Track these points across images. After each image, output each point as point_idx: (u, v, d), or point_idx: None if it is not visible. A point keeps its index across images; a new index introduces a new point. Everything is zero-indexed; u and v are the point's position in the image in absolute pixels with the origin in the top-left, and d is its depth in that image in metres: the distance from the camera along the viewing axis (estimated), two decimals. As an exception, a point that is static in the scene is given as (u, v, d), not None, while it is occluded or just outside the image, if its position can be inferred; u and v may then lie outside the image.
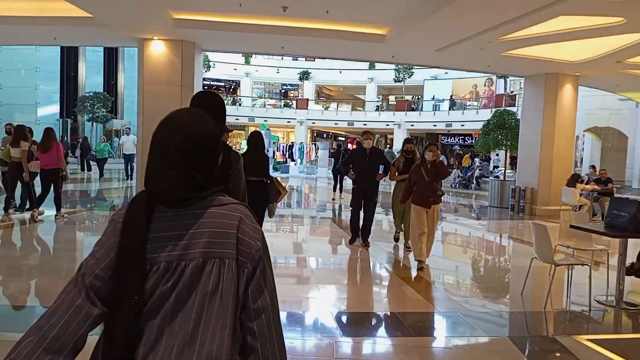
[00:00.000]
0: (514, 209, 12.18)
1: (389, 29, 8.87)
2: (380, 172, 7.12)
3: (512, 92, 37.35)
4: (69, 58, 27.46)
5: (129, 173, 16.28)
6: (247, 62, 43.09)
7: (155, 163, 1.21)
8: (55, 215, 8.39)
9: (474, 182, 20.20)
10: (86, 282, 1.11)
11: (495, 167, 22.71)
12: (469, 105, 38.60)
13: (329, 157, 21.16)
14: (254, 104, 42.74)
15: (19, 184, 8.29)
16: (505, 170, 13.90)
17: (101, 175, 16.62)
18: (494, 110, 33.70)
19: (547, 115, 11.69)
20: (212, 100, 2.23)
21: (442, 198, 6.39)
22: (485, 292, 5.60)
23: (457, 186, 20.13)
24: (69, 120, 26.95)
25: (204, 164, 1.21)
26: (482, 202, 15.77)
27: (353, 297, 5.28)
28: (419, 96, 41.62)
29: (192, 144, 1.19)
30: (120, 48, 30.24)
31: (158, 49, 9.85)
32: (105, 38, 10.37)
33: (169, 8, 8.17)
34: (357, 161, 7.09)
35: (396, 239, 7.68)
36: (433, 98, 39.89)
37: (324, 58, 31.03)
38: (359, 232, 7.31)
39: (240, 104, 41.88)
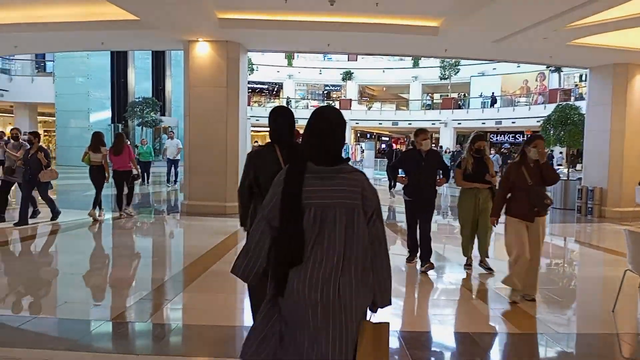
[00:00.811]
0: (580, 211, 11.27)
1: (442, 20, 8.33)
2: (440, 178, 5.93)
3: (572, 85, 35.53)
4: (119, 65, 28.21)
5: (172, 178, 15.58)
6: (289, 64, 43.21)
7: (316, 139, 2.03)
8: (125, 210, 9.20)
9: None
10: (266, 217, 2.02)
11: (559, 165, 21.40)
12: (518, 102, 37.02)
13: (379, 157, 20.63)
14: (297, 106, 42.76)
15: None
16: (568, 168, 12.92)
17: (145, 180, 15.47)
18: (546, 106, 32.45)
19: (616, 109, 10.74)
20: (288, 112, 3.36)
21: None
22: (568, 309, 4.98)
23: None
24: (119, 125, 27.71)
25: (340, 140, 2.07)
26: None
27: (416, 315, 4.80)
28: (465, 94, 40.33)
29: (337, 127, 2.05)
30: (168, 54, 30.89)
31: (203, 50, 9.72)
32: (152, 41, 10.37)
33: (213, 8, 7.99)
34: (411, 165, 5.79)
35: (469, 266, 5.99)
36: (480, 95, 38.51)
37: (372, 55, 30.42)
38: (418, 252, 6.05)
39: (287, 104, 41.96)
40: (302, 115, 39.84)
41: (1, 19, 9.41)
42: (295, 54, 44.17)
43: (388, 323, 2.05)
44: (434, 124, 39.01)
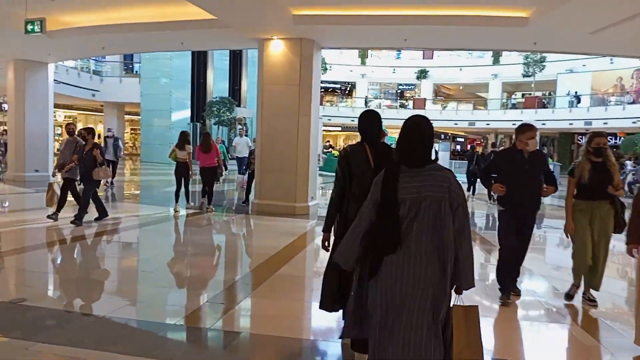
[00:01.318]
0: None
1: (533, 9, 7.61)
2: (545, 187, 4.60)
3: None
4: (199, 66, 29.37)
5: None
6: (362, 63, 42.81)
7: (409, 147, 2.45)
8: (207, 206, 9.73)
9: (627, 188, 17.33)
10: (368, 210, 2.47)
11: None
12: (609, 102, 33.96)
13: (455, 159, 19.60)
14: (369, 105, 42.25)
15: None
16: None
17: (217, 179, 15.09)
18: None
19: None
20: (377, 115, 3.47)
21: None
22: None
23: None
24: (198, 124, 28.83)
25: (430, 146, 2.46)
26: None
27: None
28: (550, 92, 37.69)
29: (428, 137, 2.47)
30: (245, 54, 31.73)
31: (277, 48, 9.66)
32: (228, 40, 10.49)
33: (288, 4, 7.87)
34: (510, 169, 4.50)
35: (570, 296, 4.67)
36: (568, 94, 35.79)
37: (452, 50, 29.19)
38: (514, 284, 4.76)
39: (354, 105, 41.68)
40: (374, 115, 39.47)
41: (91, 21, 9.97)
42: (369, 53, 43.79)
43: (477, 306, 2.49)
44: (514, 124, 36.40)
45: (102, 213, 7.98)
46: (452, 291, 2.45)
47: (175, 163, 9.33)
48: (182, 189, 9.41)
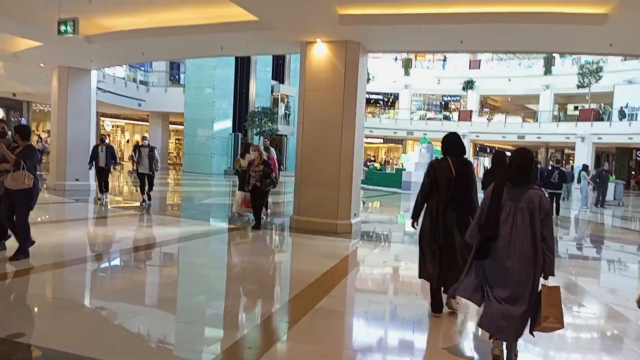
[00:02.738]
0: None
1: (613, 5, 6.59)
2: None
3: None
4: (242, 76, 29.30)
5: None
6: (406, 73, 41.87)
7: (514, 171, 3.42)
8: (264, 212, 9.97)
9: None
10: (482, 214, 3.50)
11: None
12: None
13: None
14: (412, 117, 41.14)
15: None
16: None
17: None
18: None
19: None
20: (458, 137, 4.52)
21: None
22: None
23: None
24: (239, 134, 28.68)
25: (529, 172, 3.44)
26: None
27: None
28: (606, 104, 35.40)
29: (529, 165, 3.46)
30: (288, 65, 31.48)
31: (320, 52, 9.00)
32: (269, 44, 9.93)
33: (334, 3, 7.19)
34: None
35: None
36: (626, 106, 33.45)
37: (513, 52, 27.60)
38: None
39: (397, 117, 40.69)
40: (417, 127, 38.39)
41: (130, 25, 9.66)
42: (413, 64, 42.79)
43: (559, 286, 3.40)
44: (568, 138, 34.86)
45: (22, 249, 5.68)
46: (541, 277, 3.38)
47: (239, 171, 10.44)
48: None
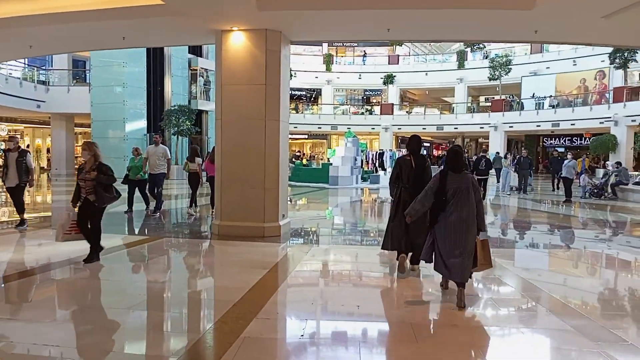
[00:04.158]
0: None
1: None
2: None
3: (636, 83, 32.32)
4: (155, 73, 27.48)
5: (149, 197, 10.97)
6: (328, 69, 41.89)
7: (453, 162, 4.78)
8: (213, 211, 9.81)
9: (609, 190, 16.66)
10: (429, 191, 4.80)
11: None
12: (575, 103, 34.02)
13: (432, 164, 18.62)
14: (336, 112, 41.23)
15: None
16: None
17: (148, 203, 10.98)
18: (611, 106, 29.48)
19: None
20: (419, 138, 6.01)
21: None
22: None
23: (587, 195, 16.70)
24: (155, 134, 26.86)
25: (463, 162, 4.86)
26: (629, 217, 12.51)
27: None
28: (512, 95, 37.65)
29: (462, 156, 4.92)
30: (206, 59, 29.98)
31: (238, 41, 8.20)
32: (180, 33, 8.91)
33: (250, -16, 6.44)
34: None
35: None
36: (533, 96, 35.76)
37: (439, 41, 28.15)
38: None
39: (320, 112, 40.55)
40: (341, 122, 38.48)
41: (15, 12, 8.21)
42: (334, 59, 42.83)
43: (487, 239, 4.88)
44: (482, 127, 36.60)
45: None
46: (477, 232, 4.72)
47: (188, 173, 11.08)
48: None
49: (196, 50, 29.90)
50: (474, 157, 15.48)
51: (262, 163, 8.17)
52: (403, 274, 5.71)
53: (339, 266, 6.81)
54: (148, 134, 26.60)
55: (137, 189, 10.82)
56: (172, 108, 25.38)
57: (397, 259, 5.81)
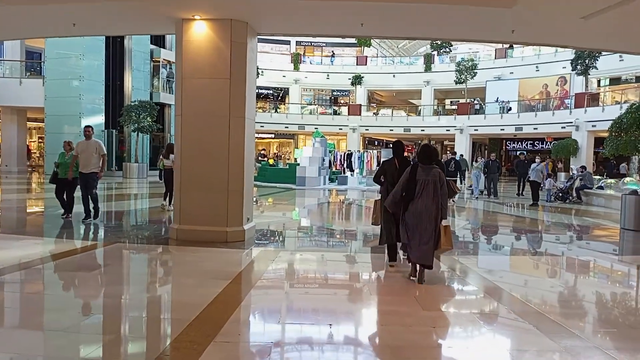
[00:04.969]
0: (671, 236, 9.03)
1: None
2: None
3: (594, 90, 33.32)
4: (115, 66, 26.27)
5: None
6: (296, 68, 41.40)
7: (423, 156, 5.51)
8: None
9: (574, 194, 16.85)
10: (401, 184, 5.51)
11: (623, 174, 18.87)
12: (533, 107, 34.76)
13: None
14: (303, 112, 40.77)
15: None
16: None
17: (70, 209, 9.53)
18: (572, 111, 30.23)
19: None
20: (402, 143, 6.74)
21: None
22: None
23: (552, 199, 16.84)
24: (113, 131, 25.65)
25: (431, 157, 5.55)
26: (599, 222, 12.58)
27: None
28: (477, 99, 38.22)
29: (431, 152, 5.60)
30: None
31: (201, 31, 7.60)
32: (135, 20, 8.20)
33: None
34: None
35: None
36: (497, 100, 36.38)
37: (414, 39, 27.89)
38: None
39: (287, 112, 39.99)
40: (309, 122, 38.12)
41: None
42: (302, 58, 42.34)
43: (449, 225, 5.62)
44: (448, 130, 36.94)
45: None
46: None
47: (163, 170, 11.69)
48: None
49: (159, 41, 28.81)
50: (444, 159, 15.33)
51: (226, 163, 7.60)
52: (394, 265, 6.29)
53: (309, 275, 6.32)
54: (106, 130, 25.39)
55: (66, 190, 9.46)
56: (132, 103, 24.26)
57: (389, 255, 6.35)
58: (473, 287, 5.79)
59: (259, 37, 8.26)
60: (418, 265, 5.42)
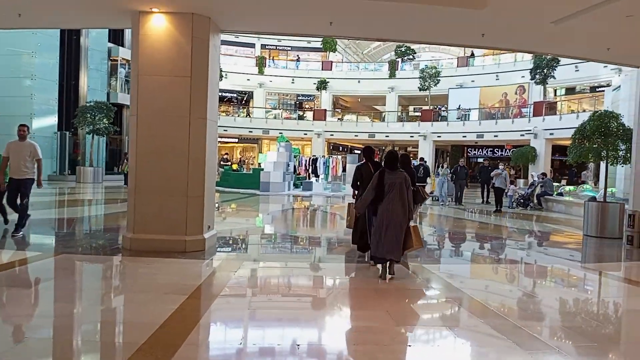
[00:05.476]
0: (632, 242, 9.13)
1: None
2: None
3: (551, 99, 34.39)
4: (70, 65, 25.04)
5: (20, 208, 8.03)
6: (260, 72, 40.84)
7: (389, 162, 5.97)
8: None
9: (535, 200, 17.11)
10: (371, 188, 5.92)
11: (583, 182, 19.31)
12: (493, 115, 35.59)
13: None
14: (267, 116, 40.23)
15: None
16: (605, 188, 10.84)
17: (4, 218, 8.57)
18: (531, 119, 31.05)
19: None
20: (372, 149, 7.49)
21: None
22: None
23: (514, 205, 17.04)
24: (67, 133, 24.39)
25: (397, 162, 6.07)
26: (559, 228, 12.74)
27: None
28: (438, 105, 38.85)
29: (396, 158, 6.14)
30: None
31: (159, 25, 7.10)
32: (87, 12, 7.59)
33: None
34: None
35: None
36: (459, 108, 37.06)
37: (384, 40, 27.57)
38: None
39: (247, 115, 39.37)
40: (273, 126, 37.65)
41: None
42: (267, 62, 41.86)
43: (417, 225, 7.15)
44: (412, 136, 37.26)
45: None
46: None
47: (127, 174, 10.66)
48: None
49: (117, 39, 27.75)
50: (413, 165, 15.23)
51: (185, 167, 7.10)
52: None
53: (274, 288, 5.92)
54: (59, 132, 24.12)
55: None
56: (88, 104, 23.12)
57: (367, 254, 6.80)
58: (445, 297, 5.53)
59: (223, 38, 7.81)
60: (388, 262, 5.80)
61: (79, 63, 25.31)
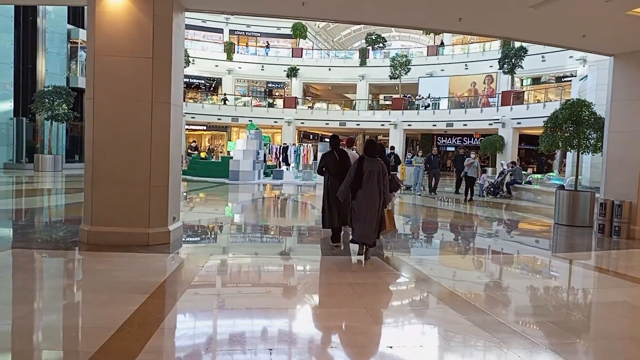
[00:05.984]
0: (603, 230, 9.19)
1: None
2: None
3: (518, 88, 34.90)
4: (26, 48, 23.70)
5: None
6: (229, 58, 39.90)
7: (369, 150, 6.34)
8: None
9: (504, 189, 17.25)
10: (350, 175, 6.28)
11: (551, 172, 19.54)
12: (462, 104, 35.95)
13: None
14: (237, 103, 39.40)
15: None
16: (577, 176, 10.88)
17: None
18: (499, 108, 31.48)
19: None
20: (338, 137, 7.55)
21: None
22: None
23: (484, 194, 17.14)
24: (24, 119, 23.14)
25: (376, 150, 6.45)
26: (529, 216, 12.82)
27: None
28: (408, 94, 38.92)
29: (375, 145, 6.50)
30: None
31: (117, 2, 6.55)
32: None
33: None
34: None
35: None
36: (429, 96, 37.20)
37: (358, 23, 27.06)
38: None
39: (224, 102, 38.43)
40: (243, 114, 36.91)
41: None
42: (236, 48, 40.91)
43: (391, 209, 7.01)
44: (383, 125, 37.25)
45: None
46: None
47: None
48: None
49: (77, 21, 26.47)
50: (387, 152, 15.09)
51: (148, 155, 6.63)
52: (336, 248, 7.06)
53: (245, 283, 5.57)
54: (15, 118, 22.86)
55: None
56: (46, 89, 21.96)
57: (331, 237, 7.16)
58: (424, 291, 5.32)
59: (189, 23, 7.32)
60: (364, 247, 6.26)
61: (36, 45, 24.02)
